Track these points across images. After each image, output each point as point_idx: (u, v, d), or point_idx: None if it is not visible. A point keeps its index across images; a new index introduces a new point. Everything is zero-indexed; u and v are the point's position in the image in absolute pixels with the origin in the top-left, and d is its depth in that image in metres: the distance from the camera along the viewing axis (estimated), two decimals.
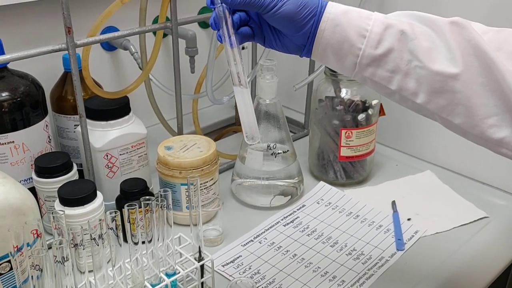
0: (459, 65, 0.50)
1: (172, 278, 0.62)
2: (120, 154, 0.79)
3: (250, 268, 0.72)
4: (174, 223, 0.73)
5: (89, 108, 0.77)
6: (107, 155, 0.78)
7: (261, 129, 0.82)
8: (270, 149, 0.83)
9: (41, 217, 0.73)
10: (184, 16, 0.82)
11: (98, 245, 0.55)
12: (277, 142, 0.83)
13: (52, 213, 0.55)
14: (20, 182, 0.73)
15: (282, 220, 0.82)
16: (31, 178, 0.74)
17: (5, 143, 0.73)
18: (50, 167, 0.72)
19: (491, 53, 0.49)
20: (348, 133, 0.87)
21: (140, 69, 0.88)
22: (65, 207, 0.67)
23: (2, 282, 0.59)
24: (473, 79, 0.50)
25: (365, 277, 0.71)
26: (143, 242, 0.60)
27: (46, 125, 0.79)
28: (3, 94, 0.72)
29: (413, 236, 0.78)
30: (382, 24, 0.52)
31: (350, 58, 0.53)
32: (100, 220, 0.55)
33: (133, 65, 0.93)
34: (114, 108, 0.79)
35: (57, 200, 0.69)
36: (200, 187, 0.78)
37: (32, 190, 0.73)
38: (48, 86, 0.85)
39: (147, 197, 0.59)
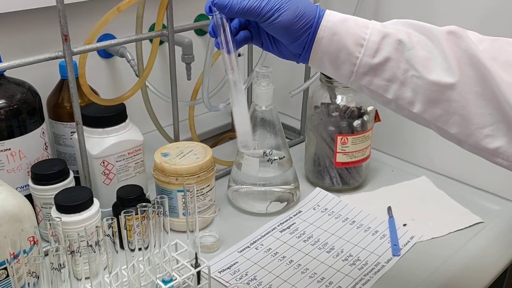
0: (455, 75, 0.50)
1: (169, 285, 0.62)
2: (116, 161, 0.79)
3: (246, 274, 0.72)
4: (170, 229, 0.73)
5: (86, 115, 0.78)
6: (103, 162, 0.78)
7: (257, 136, 0.83)
8: (266, 155, 0.83)
9: (38, 224, 0.73)
10: (180, 23, 0.82)
11: (94, 252, 0.55)
12: (273, 149, 0.83)
13: (49, 220, 0.55)
14: (16, 189, 0.73)
15: (278, 226, 0.82)
16: (28, 185, 0.74)
17: (2, 150, 0.73)
18: (46, 174, 0.72)
19: (486, 63, 0.50)
20: (344, 139, 0.87)
21: (137, 76, 0.88)
22: (62, 214, 0.67)
23: None
24: (468, 89, 0.50)
25: (361, 282, 0.71)
26: (140, 249, 0.60)
27: (43, 132, 0.79)
28: (0, 102, 0.72)
29: (409, 241, 0.79)
30: (379, 33, 0.52)
31: (347, 66, 0.53)
32: (96, 227, 0.56)
33: (129, 72, 0.93)
34: (111, 115, 0.79)
35: (54, 207, 0.69)
36: (197, 193, 0.78)
37: (29, 197, 0.73)
38: (44, 93, 0.85)
39: (144, 203, 0.59)
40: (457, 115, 0.51)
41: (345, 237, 0.80)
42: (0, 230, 0.57)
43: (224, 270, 0.73)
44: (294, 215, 0.85)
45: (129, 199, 0.74)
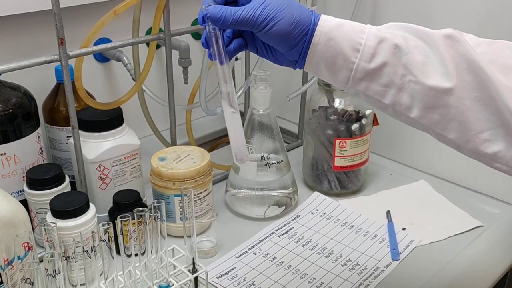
0: (453, 79, 0.50)
1: None
2: (113, 166, 0.79)
3: (244, 280, 0.72)
4: (167, 234, 0.73)
5: (82, 120, 0.77)
6: (99, 167, 0.78)
7: (254, 140, 0.82)
8: (264, 159, 0.82)
9: (33, 229, 0.73)
10: (177, 27, 0.82)
11: (90, 258, 0.54)
12: (271, 153, 0.83)
13: (44, 226, 0.55)
14: (11, 194, 0.72)
15: (276, 231, 0.82)
16: (23, 190, 0.74)
17: None
18: (42, 179, 0.72)
19: (484, 67, 0.49)
20: (342, 143, 0.86)
21: (133, 80, 0.87)
22: (57, 220, 0.66)
23: None
24: (466, 94, 0.49)
25: (360, 287, 0.70)
26: (136, 254, 0.59)
27: (38, 137, 0.78)
28: None
29: (408, 245, 0.78)
30: (375, 37, 0.51)
31: (344, 72, 0.52)
32: (92, 232, 0.55)
33: (126, 76, 0.93)
34: (107, 120, 0.78)
35: (49, 213, 0.68)
36: (194, 198, 0.77)
37: (24, 202, 0.73)
38: (40, 97, 0.84)
39: (141, 208, 0.59)
40: (455, 121, 0.50)
41: (344, 241, 0.79)
42: None
43: (222, 275, 0.72)
44: (292, 220, 0.84)
45: (126, 204, 0.73)
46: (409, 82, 0.51)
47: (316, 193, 0.91)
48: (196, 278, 0.65)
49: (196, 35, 1.09)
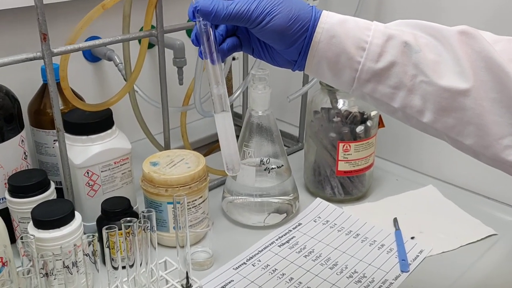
0: (469, 79, 0.46)
1: None
2: (102, 171, 0.74)
3: None
4: (160, 245, 0.68)
5: (68, 122, 0.73)
6: (87, 172, 0.73)
7: (253, 143, 0.79)
8: (263, 164, 0.78)
9: (16, 241, 0.68)
10: (171, 24, 0.77)
11: (72, 274, 0.49)
12: (270, 157, 0.79)
13: (21, 238, 0.50)
14: None
15: (277, 240, 0.78)
16: (5, 198, 0.69)
17: None
18: (24, 186, 0.67)
19: (504, 65, 0.45)
20: (346, 146, 0.82)
21: (125, 80, 0.83)
22: (39, 230, 0.61)
23: None
24: (484, 95, 0.46)
25: None
26: (124, 267, 0.55)
27: (22, 141, 0.73)
28: None
29: (418, 256, 0.74)
30: (383, 35, 0.47)
31: (348, 72, 0.48)
32: (74, 245, 0.50)
33: (118, 77, 0.88)
34: (96, 122, 0.74)
35: (31, 222, 0.63)
36: (188, 205, 0.73)
37: (6, 211, 0.68)
38: (26, 99, 0.80)
39: (129, 218, 0.54)
40: (472, 125, 0.47)
41: (349, 251, 0.75)
42: None
43: None
44: (293, 228, 0.80)
45: (115, 212, 0.68)
46: (420, 83, 0.47)
47: (318, 199, 0.87)
48: None
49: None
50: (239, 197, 0.80)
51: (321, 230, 0.80)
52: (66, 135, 0.73)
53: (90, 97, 0.86)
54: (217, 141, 1.13)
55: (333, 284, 0.69)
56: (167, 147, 0.82)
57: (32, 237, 0.50)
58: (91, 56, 0.93)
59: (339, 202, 0.86)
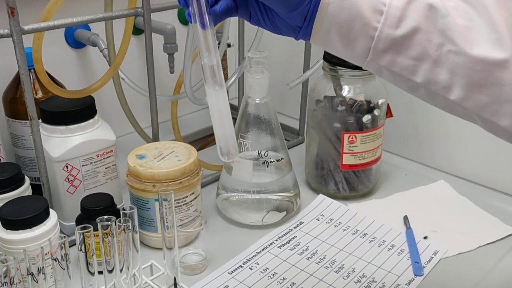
0: (508, 48, 0.40)
1: None
2: (82, 165, 0.68)
3: None
4: (148, 247, 0.62)
5: (45, 110, 0.67)
6: (66, 166, 0.67)
7: (250, 134, 0.73)
8: (261, 157, 0.73)
9: None
10: (160, 3, 0.70)
11: (37, 282, 0.42)
12: (269, 149, 0.73)
13: None
14: None
15: (276, 240, 0.72)
16: None
17: None
18: None
19: None
20: (352, 138, 0.76)
21: (110, 65, 0.76)
22: (8, 231, 0.55)
23: None
24: None
25: None
26: (100, 272, 0.48)
27: None
28: None
29: (432, 257, 0.67)
30: None
31: (362, 41, 0.42)
32: (41, 247, 0.43)
33: (104, 64, 0.82)
34: (75, 110, 0.68)
35: None
36: (179, 203, 0.67)
37: None
38: (1, 87, 0.75)
39: (106, 216, 0.47)
40: (510, 103, 0.41)
41: (355, 253, 0.69)
42: None
43: None
44: (294, 227, 0.75)
45: (96, 210, 0.62)
46: (448, 53, 0.41)
47: (321, 196, 0.81)
48: None
49: (183, 19, 0.98)
50: (235, 193, 0.75)
51: (325, 229, 0.74)
52: (43, 125, 0.67)
53: (74, 86, 0.79)
54: (211, 135, 1.06)
55: None
56: (155, 138, 0.76)
57: None
58: (75, 41, 0.87)
59: (344, 198, 0.81)
